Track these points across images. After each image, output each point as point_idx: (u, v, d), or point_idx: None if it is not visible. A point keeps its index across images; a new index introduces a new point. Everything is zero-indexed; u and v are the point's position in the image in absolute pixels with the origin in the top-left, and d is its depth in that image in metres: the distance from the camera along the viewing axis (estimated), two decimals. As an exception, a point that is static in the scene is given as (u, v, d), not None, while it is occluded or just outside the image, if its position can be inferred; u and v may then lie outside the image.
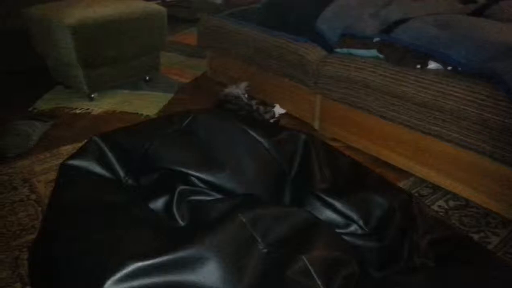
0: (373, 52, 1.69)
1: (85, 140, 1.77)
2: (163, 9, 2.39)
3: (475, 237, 1.37)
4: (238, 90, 2.07)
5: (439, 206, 1.52)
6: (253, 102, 2.01)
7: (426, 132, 1.54)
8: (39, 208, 1.40)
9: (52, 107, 2.17)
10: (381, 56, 1.67)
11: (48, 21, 2.08)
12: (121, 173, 1.10)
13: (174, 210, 1.02)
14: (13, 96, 2.29)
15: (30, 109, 2.14)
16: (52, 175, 1.22)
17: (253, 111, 1.96)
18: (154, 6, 2.40)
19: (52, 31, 2.07)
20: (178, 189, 1.05)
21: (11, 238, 1.27)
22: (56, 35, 2.06)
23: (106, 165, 1.09)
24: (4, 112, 2.08)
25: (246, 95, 2.04)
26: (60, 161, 1.66)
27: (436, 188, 1.60)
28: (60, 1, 2.25)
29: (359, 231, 1.09)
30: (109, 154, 1.10)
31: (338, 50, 1.84)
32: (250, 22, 2.26)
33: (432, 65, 1.54)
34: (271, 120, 1.89)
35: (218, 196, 1.09)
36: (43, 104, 2.20)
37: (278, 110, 2.02)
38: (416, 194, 1.57)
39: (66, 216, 0.90)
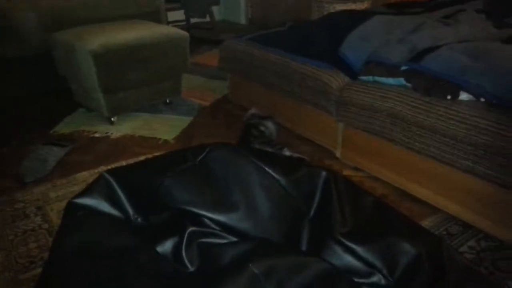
0: (400, 80, 1.61)
1: (100, 168, 1.78)
2: (185, 34, 2.39)
3: (513, 285, 1.25)
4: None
5: (470, 247, 1.40)
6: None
7: (457, 166, 1.44)
8: (50, 239, 1.37)
9: (72, 131, 2.18)
10: (408, 85, 1.58)
11: (71, 46, 2.10)
12: (130, 212, 1.06)
13: (183, 254, 0.97)
14: (36, 118, 2.31)
15: (51, 131, 2.15)
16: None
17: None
18: (177, 31, 2.39)
19: (74, 56, 2.09)
20: (188, 231, 0.99)
21: (19, 272, 1.24)
22: (78, 60, 2.07)
23: (115, 203, 1.05)
24: (26, 135, 2.10)
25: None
26: (76, 188, 1.67)
27: (466, 226, 1.48)
28: (84, 26, 2.27)
29: (383, 281, 1.00)
30: (119, 192, 1.06)
31: (363, 77, 1.76)
32: (272, 46, 2.22)
33: (464, 96, 1.44)
34: (293, 155, 1.79)
35: (230, 238, 1.03)
36: (64, 127, 2.21)
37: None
38: (445, 233, 1.46)
39: (69, 263, 0.85)
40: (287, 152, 1.75)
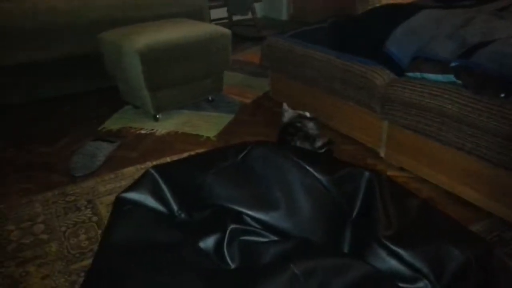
0: (450, 77, 1.54)
1: (146, 163, 1.84)
2: (228, 32, 2.41)
3: None
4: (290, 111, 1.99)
5: (526, 255, 1.32)
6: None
7: (511, 168, 1.36)
8: (99, 231, 1.43)
9: (120, 127, 2.26)
10: (458, 82, 1.51)
11: (118, 46, 2.17)
12: (175, 207, 1.09)
13: (225, 251, 0.98)
14: (85, 115, 2.42)
15: (99, 128, 2.24)
16: (114, 197, 1.24)
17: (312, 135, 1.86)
18: (219, 29, 2.42)
19: (121, 55, 2.16)
20: (229, 228, 1.01)
21: (70, 262, 1.30)
22: (125, 59, 2.14)
23: (161, 198, 1.08)
24: (77, 131, 2.20)
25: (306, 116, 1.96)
26: (123, 182, 1.73)
27: (521, 232, 1.40)
28: (130, 26, 2.35)
29: None
30: (164, 187, 1.09)
31: (409, 74, 1.70)
32: (314, 43, 2.19)
33: (520, 93, 1.36)
34: (321, 149, 1.73)
35: (271, 236, 1.03)
36: (112, 124, 2.29)
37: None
38: (497, 239, 1.39)
39: (116, 256, 0.89)
40: (319, 143, 1.69)
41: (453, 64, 1.52)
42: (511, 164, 1.34)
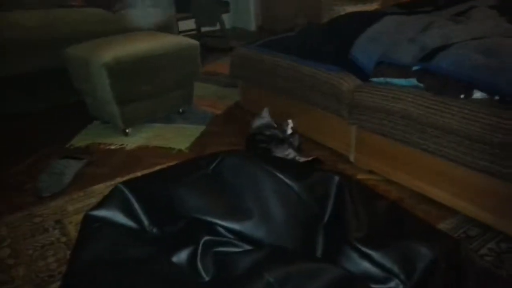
0: (412, 81, 1.59)
1: (116, 179, 1.80)
2: (196, 43, 2.41)
3: (536, 287, 1.21)
4: (265, 118, 2.03)
5: (490, 249, 1.37)
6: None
7: (473, 167, 1.41)
8: (69, 252, 1.39)
9: (88, 143, 2.21)
10: (421, 85, 1.57)
11: (85, 60, 2.14)
12: (146, 222, 1.07)
13: (199, 263, 0.97)
14: (52, 132, 2.36)
15: (67, 145, 2.19)
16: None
17: (285, 137, 1.90)
18: (188, 40, 2.42)
19: (88, 70, 2.13)
20: (203, 240, 1.00)
21: (39, 286, 1.26)
22: (92, 73, 2.11)
23: (131, 214, 1.06)
24: (43, 150, 2.14)
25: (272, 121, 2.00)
26: (93, 200, 1.69)
27: (486, 228, 1.45)
28: (96, 40, 2.32)
29: (401, 287, 0.99)
30: (134, 203, 1.07)
31: (374, 79, 1.75)
32: (282, 52, 2.22)
33: (478, 94, 1.42)
34: (300, 160, 1.79)
35: (245, 246, 1.03)
36: (80, 140, 2.25)
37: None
38: (463, 235, 1.43)
39: (86, 275, 0.86)
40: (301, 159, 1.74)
41: (414, 68, 1.58)
42: (473, 162, 1.39)
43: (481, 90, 1.40)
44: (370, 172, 1.83)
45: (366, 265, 1.01)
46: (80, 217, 1.52)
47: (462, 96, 1.44)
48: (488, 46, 1.52)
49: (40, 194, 1.73)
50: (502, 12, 2.15)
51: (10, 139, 2.29)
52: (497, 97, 1.37)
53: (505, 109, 1.32)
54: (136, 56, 2.15)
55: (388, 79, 1.68)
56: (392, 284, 0.97)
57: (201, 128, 2.36)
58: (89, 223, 1.02)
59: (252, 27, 4.82)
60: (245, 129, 2.11)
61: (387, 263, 1.00)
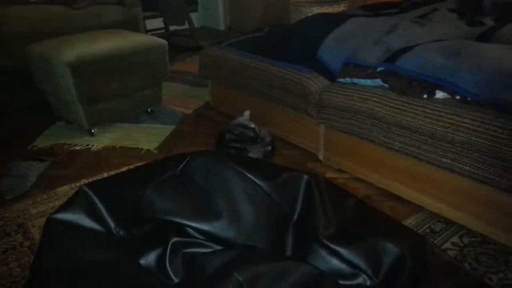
0: (377, 81, 1.63)
1: (82, 181, 1.75)
2: (163, 42, 2.38)
3: (494, 278, 1.27)
4: (242, 118, 2.05)
5: (453, 243, 1.42)
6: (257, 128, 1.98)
7: (436, 164, 1.46)
8: (32, 256, 1.34)
9: (52, 144, 2.14)
10: (385, 85, 1.61)
11: (47, 58, 2.06)
12: (112, 225, 1.05)
13: (167, 265, 0.96)
14: (14, 134, 2.27)
15: (29, 147, 2.11)
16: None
17: (257, 136, 1.92)
18: (155, 39, 2.38)
19: (51, 68, 2.06)
20: (171, 242, 0.98)
21: (0, 293, 1.21)
22: (56, 72, 2.04)
23: (96, 216, 1.03)
24: (4, 151, 2.05)
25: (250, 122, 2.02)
26: (57, 203, 1.64)
27: (449, 223, 1.51)
28: (60, 38, 2.24)
29: (368, 282, 1.01)
30: (99, 205, 1.04)
31: (340, 79, 1.78)
32: (251, 52, 2.22)
33: (440, 94, 1.47)
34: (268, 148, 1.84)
35: (215, 246, 1.03)
36: (43, 141, 2.17)
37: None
38: (428, 230, 1.48)
39: (50, 281, 0.83)
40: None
41: (379, 68, 1.62)
42: (436, 159, 1.44)
43: (443, 90, 1.45)
44: (339, 170, 1.86)
45: (334, 262, 1.03)
46: (43, 220, 1.47)
47: (425, 96, 1.48)
48: (449, 47, 1.57)
49: (2, 197, 1.65)
50: (461, 15, 2.24)
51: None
52: (458, 97, 1.42)
53: (465, 108, 1.37)
54: (102, 54, 2.09)
55: (354, 80, 1.72)
56: (360, 279, 1.00)
57: (171, 128, 2.33)
58: (53, 227, 0.99)
59: (222, 26, 4.79)
60: (216, 129, 2.10)
61: (355, 259, 1.02)
